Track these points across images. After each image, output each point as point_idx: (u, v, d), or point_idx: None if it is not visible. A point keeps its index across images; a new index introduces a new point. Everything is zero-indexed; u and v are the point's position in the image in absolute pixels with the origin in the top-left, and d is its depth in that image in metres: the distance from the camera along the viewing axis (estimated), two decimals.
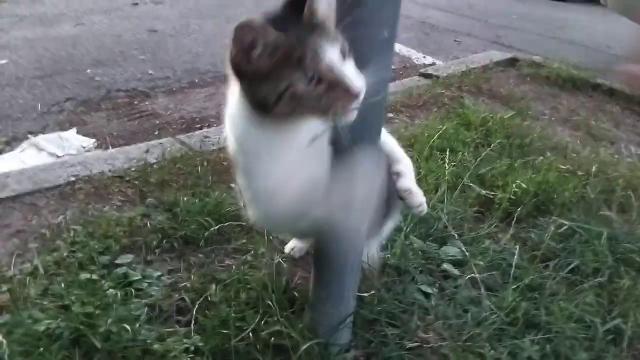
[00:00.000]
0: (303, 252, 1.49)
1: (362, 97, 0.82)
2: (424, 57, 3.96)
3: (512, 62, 3.50)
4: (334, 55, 0.81)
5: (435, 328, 1.25)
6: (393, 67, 3.66)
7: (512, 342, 1.21)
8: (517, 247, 1.54)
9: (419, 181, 1.89)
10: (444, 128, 2.28)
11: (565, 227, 1.59)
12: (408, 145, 2.17)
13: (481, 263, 1.48)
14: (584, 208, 1.78)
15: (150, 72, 3.29)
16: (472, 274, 1.43)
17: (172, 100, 2.98)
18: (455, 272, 1.46)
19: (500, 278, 1.45)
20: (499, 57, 3.51)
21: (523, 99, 2.91)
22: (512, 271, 1.43)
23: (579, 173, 2.00)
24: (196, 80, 3.25)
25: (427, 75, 3.17)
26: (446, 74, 3.15)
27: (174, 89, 3.12)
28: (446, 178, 1.88)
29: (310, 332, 1.13)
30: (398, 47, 4.09)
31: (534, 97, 3.01)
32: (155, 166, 1.95)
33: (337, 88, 0.81)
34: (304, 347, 1.07)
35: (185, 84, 3.20)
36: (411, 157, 2.03)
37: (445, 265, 1.48)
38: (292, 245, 1.50)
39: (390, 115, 2.65)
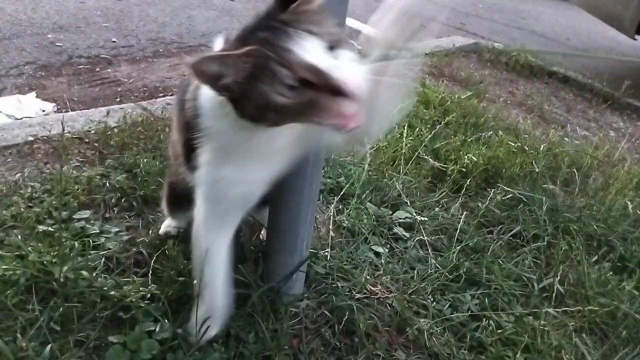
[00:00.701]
0: (180, 230, 1.37)
1: (361, 95, 0.70)
2: None
3: (474, 48, 3.60)
4: (315, 51, 0.70)
5: (383, 282, 1.32)
6: (360, 47, 3.73)
7: (454, 296, 1.30)
8: (464, 214, 1.63)
9: (378, 152, 1.97)
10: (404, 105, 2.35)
11: (510, 196, 1.69)
12: None
13: (429, 227, 1.57)
14: (529, 181, 1.89)
15: (113, 39, 3.22)
16: (421, 237, 1.51)
17: (135, 68, 2.94)
18: (406, 234, 1.54)
19: (447, 241, 1.54)
20: (462, 42, 3.60)
21: (482, 83, 3.01)
22: (457, 235, 1.51)
23: (528, 150, 2.12)
24: (160, 50, 3.21)
25: None
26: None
27: (138, 58, 3.08)
28: (403, 151, 1.96)
29: (264, 281, 1.18)
30: (364, 28, 4.14)
31: (492, 82, 3.13)
32: (115, 130, 1.94)
33: (326, 89, 0.70)
34: (258, 292, 1.12)
35: (149, 53, 3.15)
36: None
37: (396, 229, 1.56)
38: (168, 224, 1.40)
39: None
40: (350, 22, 4.16)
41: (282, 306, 1.14)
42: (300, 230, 1.13)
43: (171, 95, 2.55)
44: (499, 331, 1.22)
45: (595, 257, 1.53)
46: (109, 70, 2.88)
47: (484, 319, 1.25)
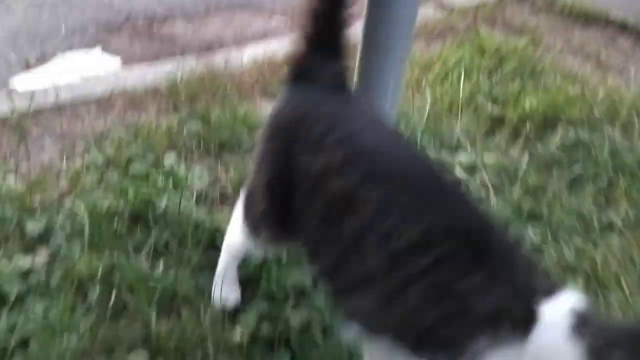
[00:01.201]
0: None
1: None
2: None
3: None
4: None
5: None
6: None
7: (515, 231, 1.37)
8: (524, 155, 1.67)
9: (436, 101, 2.01)
10: (460, 54, 2.36)
11: (570, 139, 1.72)
12: (425, 69, 2.27)
13: (489, 168, 1.63)
14: (589, 126, 1.90)
15: None
16: (482, 177, 1.57)
17: (189, 25, 3.04)
18: (466, 175, 1.61)
19: (508, 182, 1.60)
20: None
21: (537, 31, 2.95)
22: (519, 175, 1.57)
23: (587, 96, 2.11)
24: (212, 7, 3.28)
25: (442, 6, 3.20)
26: (461, 5, 3.18)
27: (191, 15, 3.16)
28: (461, 97, 1.99)
29: None
30: None
31: (547, 30, 3.06)
32: (184, 82, 2.05)
33: None
34: None
35: (202, 10, 3.23)
36: (426, 81, 2.16)
37: (457, 170, 1.62)
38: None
39: None
40: None
41: None
42: None
43: (228, 48, 2.64)
44: (559, 260, 1.29)
45: None
46: (166, 27, 2.99)
47: (545, 251, 1.32)
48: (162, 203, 1.27)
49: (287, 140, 0.89)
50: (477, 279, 0.72)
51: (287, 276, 1.14)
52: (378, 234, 0.78)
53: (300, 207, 0.86)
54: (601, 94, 2.14)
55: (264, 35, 3.02)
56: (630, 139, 1.89)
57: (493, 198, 1.49)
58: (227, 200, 1.40)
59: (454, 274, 0.73)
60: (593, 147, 1.72)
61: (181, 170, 1.48)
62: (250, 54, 2.38)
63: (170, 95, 1.97)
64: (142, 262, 1.14)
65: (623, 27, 3.21)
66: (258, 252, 1.11)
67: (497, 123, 1.92)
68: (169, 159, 1.54)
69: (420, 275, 0.74)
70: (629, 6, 3.35)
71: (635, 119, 1.99)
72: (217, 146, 1.66)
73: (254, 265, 1.18)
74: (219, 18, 3.12)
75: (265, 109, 1.93)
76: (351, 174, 0.80)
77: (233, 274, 1.11)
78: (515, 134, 1.86)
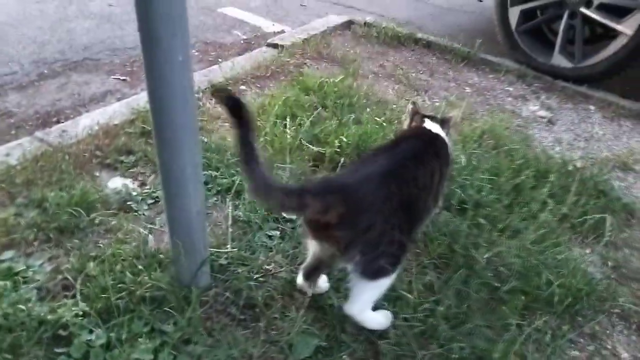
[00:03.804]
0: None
1: None
2: (273, 24, 4.24)
3: (348, 25, 3.94)
4: None
5: (276, 260, 1.64)
6: (245, 37, 3.93)
7: None
8: None
9: (265, 146, 2.25)
10: (287, 96, 2.64)
11: None
12: (258, 114, 2.51)
13: None
14: None
15: None
16: None
17: (23, 95, 2.98)
18: (294, 216, 1.86)
19: None
20: (336, 22, 3.92)
21: (356, 60, 3.36)
22: None
23: (392, 121, 2.50)
24: (45, 72, 3.24)
25: (274, 45, 3.49)
26: (290, 43, 3.49)
27: (24, 84, 3.10)
28: (288, 141, 2.26)
29: (175, 282, 1.45)
30: (248, 17, 4.33)
31: (366, 57, 3.49)
32: (18, 167, 2.07)
33: None
34: (172, 293, 1.39)
35: (35, 77, 3.18)
36: (259, 127, 2.39)
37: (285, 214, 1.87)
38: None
39: (243, 87, 2.95)
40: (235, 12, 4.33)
41: (194, 298, 1.42)
42: (195, 238, 1.41)
43: (65, 119, 2.66)
44: None
45: None
46: None
47: None
48: (2, 307, 1.33)
49: None
50: None
51: None
52: None
53: None
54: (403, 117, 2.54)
55: (103, 96, 3.07)
56: None
57: None
58: (69, 291, 1.49)
59: None
60: None
61: (20, 266, 1.54)
62: (86, 123, 2.42)
63: (5, 185, 1.98)
64: None
65: (428, 45, 3.75)
66: None
67: (319, 159, 2.22)
68: (7, 257, 1.58)
69: None
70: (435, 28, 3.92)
71: None
72: (57, 232, 1.73)
73: None
74: (54, 84, 3.10)
75: (105, 181, 2.03)
76: None
77: None
78: (335, 167, 2.16)
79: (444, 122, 1.70)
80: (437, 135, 1.62)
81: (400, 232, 1.29)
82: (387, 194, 1.28)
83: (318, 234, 1.30)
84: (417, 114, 1.74)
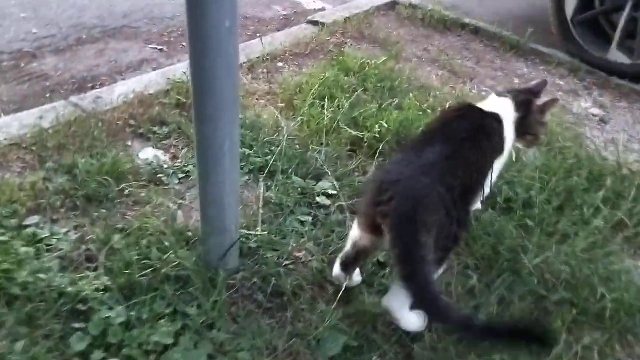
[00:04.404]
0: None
1: None
2: (313, 1, 4.10)
3: (392, 6, 3.77)
4: None
5: (307, 247, 1.56)
6: (284, 12, 3.82)
7: None
8: None
9: (301, 126, 2.16)
10: (326, 76, 2.53)
11: None
12: (295, 93, 2.42)
13: (348, 192, 1.80)
14: None
15: (34, 30, 3.18)
16: (341, 202, 1.74)
17: (60, 59, 2.95)
18: (327, 202, 1.77)
19: None
20: (380, 1, 3.75)
21: (399, 42, 3.21)
22: None
23: (436, 109, 2.36)
24: (84, 37, 3.20)
25: (314, 23, 3.36)
26: (331, 20, 3.35)
27: (62, 47, 3.07)
28: (325, 122, 2.16)
29: (202, 261, 1.38)
30: None
31: (409, 40, 3.33)
32: (50, 131, 2.03)
33: None
34: (197, 273, 1.33)
35: (73, 41, 3.15)
36: (297, 105, 2.30)
37: (318, 198, 1.78)
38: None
39: (280, 64, 2.85)
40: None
41: (220, 280, 1.35)
42: (227, 217, 1.33)
43: (100, 86, 2.61)
44: None
45: None
46: (34, 64, 2.88)
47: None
48: (23, 275, 1.29)
49: None
50: None
51: None
52: None
53: None
54: (448, 104, 2.41)
55: (140, 65, 3.02)
56: None
57: (348, 222, 1.66)
58: (92, 262, 1.44)
59: None
60: None
61: (45, 233, 1.49)
62: (122, 91, 2.37)
63: (36, 148, 1.94)
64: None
65: (476, 31, 3.56)
66: None
67: (356, 144, 2.11)
68: (32, 222, 1.54)
69: None
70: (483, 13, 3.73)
71: None
72: (84, 200, 1.68)
73: None
74: (92, 49, 3.06)
75: (136, 151, 1.98)
76: None
77: None
78: (373, 154, 2.05)
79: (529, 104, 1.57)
80: (492, 115, 1.47)
81: (458, 225, 1.20)
82: (450, 185, 1.20)
83: (375, 230, 1.22)
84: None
